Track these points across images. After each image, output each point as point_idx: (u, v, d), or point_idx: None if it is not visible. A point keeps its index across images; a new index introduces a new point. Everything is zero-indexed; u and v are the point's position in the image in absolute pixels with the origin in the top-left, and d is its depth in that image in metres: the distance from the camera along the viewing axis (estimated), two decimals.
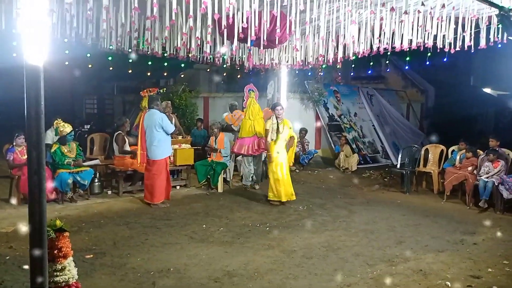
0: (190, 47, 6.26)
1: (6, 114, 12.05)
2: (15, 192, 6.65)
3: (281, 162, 7.06)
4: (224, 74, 14.98)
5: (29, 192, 2.44)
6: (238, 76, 13.77)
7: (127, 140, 7.74)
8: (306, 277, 4.17)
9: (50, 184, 6.54)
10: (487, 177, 7.00)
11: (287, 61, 8.24)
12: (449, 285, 4.01)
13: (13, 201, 6.57)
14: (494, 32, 5.79)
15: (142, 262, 4.46)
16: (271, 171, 7.09)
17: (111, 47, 6.47)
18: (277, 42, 5.66)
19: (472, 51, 6.05)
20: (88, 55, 10.12)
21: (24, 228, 5.22)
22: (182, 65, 11.65)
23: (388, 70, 16.72)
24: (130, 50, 6.73)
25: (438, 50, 6.16)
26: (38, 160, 2.43)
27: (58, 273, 2.70)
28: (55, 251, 2.76)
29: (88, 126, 11.33)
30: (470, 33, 5.73)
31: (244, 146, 8.15)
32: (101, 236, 5.28)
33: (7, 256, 4.50)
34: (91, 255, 4.58)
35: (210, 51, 6.85)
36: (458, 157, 7.99)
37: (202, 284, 3.96)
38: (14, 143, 6.74)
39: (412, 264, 4.55)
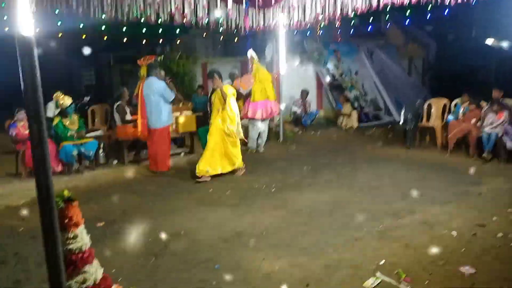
0: (184, 12, 6.10)
1: (5, 91, 11.97)
2: (21, 167, 6.71)
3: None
4: (221, 38, 14.65)
5: (34, 164, 2.43)
6: (235, 40, 13.49)
7: (128, 109, 7.71)
8: (313, 234, 4.24)
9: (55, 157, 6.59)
10: (491, 128, 6.98)
11: (284, 22, 8.04)
12: (455, 235, 4.08)
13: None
14: None
15: (152, 227, 4.54)
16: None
17: (103, 16, 6.31)
18: (273, 2, 5.51)
19: (473, 2, 5.86)
20: (81, 25, 9.89)
21: (33, 200, 5.30)
22: (178, 30, 11.39)
23: (388, 26, 16.30)
24: (123, 18, 6.56)
25: (439, 3, 5.97)
26: (39, 133, 2.40)
27: (71, 241, 2.74)
28: (66, 220, 2.80)
29: (88, 98, 11.22)
30: None
31: (258, 111, 8.11)
32: (110, 205, 5.37)
33: (20, 228, 4.60)
34: (102, 223, 4.67)
35: (204, 15, 6.66)
36: (461, 110, 7.92)
37: (212, 245, 4.05)
38: (16, 118, 6.74)
39: (418, 216, 4.61)
